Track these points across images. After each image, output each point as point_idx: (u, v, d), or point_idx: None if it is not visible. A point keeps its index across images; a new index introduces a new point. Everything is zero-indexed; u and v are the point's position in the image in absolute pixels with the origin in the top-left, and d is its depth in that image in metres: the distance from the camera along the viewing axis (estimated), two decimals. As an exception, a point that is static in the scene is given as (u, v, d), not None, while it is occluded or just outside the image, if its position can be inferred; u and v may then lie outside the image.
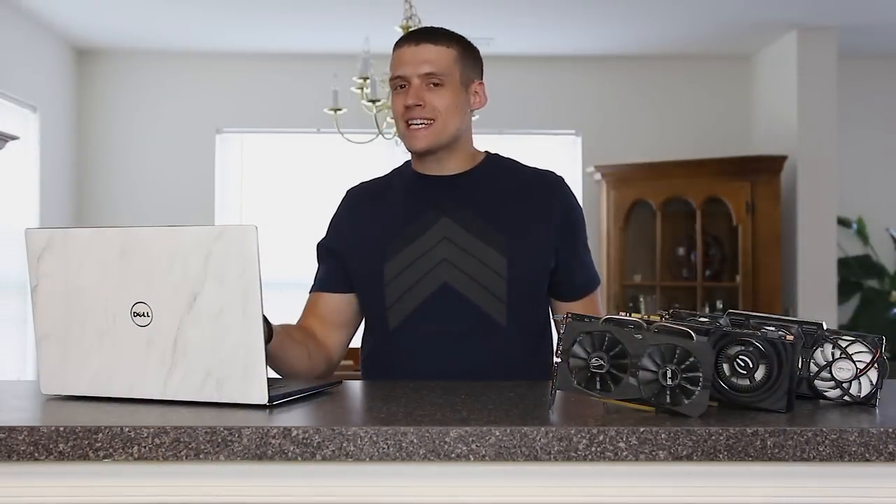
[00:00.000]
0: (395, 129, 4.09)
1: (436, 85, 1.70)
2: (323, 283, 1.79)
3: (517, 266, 1.68)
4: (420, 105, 1.68)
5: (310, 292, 1.82)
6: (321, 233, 1.85)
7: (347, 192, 1.87)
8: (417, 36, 1.74)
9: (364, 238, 1.75)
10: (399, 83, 1.72)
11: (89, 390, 1.31)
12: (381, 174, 1.88)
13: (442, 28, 1.76)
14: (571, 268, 1.76)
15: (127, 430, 1.09)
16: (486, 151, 1.83)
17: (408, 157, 1.86)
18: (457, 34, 1.77)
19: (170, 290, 1.25)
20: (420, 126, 1.69)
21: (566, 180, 1.82)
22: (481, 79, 1.80)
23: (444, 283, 1.68)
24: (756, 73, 5.77)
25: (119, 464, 1.10)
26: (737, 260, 5.23)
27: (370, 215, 1.78)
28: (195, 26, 5.24)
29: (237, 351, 1.22)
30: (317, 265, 1.83)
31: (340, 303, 1.77)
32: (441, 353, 1.67)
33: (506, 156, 1.84)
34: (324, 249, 1.81)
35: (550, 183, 1.78)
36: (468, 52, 1.76)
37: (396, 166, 1.87)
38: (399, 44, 1.75)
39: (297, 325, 1.75)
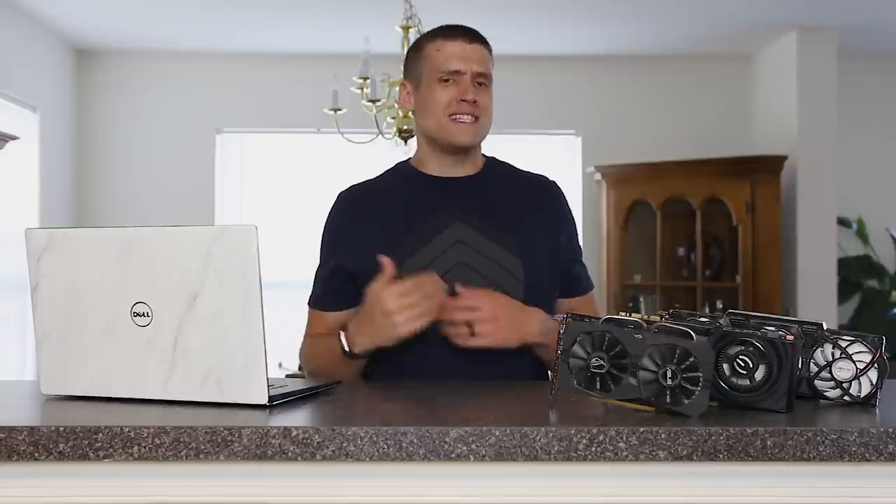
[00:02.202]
0: (394, 128, 4.10)
1: (481, 84, 1.72)
2: (332, 303, 1.76)
3: (532, 268, 1.70)
4: (476, 101, 1.70)
5: (313, 306, 1.79)
6: (321, 233, 1.82)
7: (339, 195, 1.82)
8: (469, 35, 1.74)
9: (368, 242, 1.71)
10: (448, 77, 1.71)
11: (89, 390, 1.31)
12: (372, 176, 1.86)
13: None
14: (567, 265, 1.79)
15: (127, 430, 1.09)
16: (483, 155, 1.83)
17: (405, 157, 1.86)
18: None
19: (170, 290, 1.25)
20: (470, 121, 1.70)
21: (565, 181, 1.84)
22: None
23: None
24: (756, 73, 5.77)
25: (119, 464, 1.10)
26: (737, 260, 5.23)
27: (370, 217, 1.75)
28: (195, 26, 5.24)
29: (237, 351, 1.22)
30: (317, 278, 1.79)
31: (338, 319, 1.74)
32: (458, 356, 1.64)
33: (500, 159, 1.86)
34: (327, 254, 1.78)
35: (547, 186, 1.82)
36: (493, 63, 1.79)
37: (389, 167, 1.86)
38: (445, 37, 1.74)
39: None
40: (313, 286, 1.80)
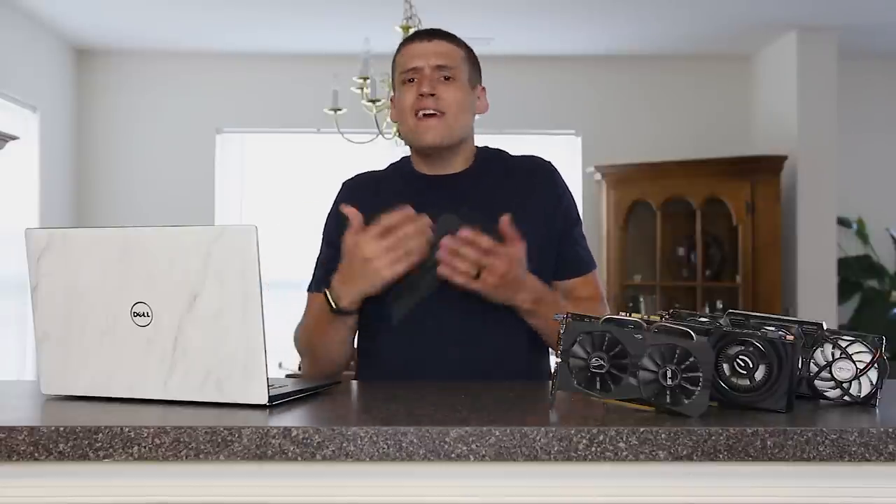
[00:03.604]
0: (395, 128, 4.10)
1: (447, 78, 1.72)
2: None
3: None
4: (433, 95, 1.70)
5: (313, 290, 1.79)
6: (321, 233, 1.84)
7: (344, 184, 1.86)
8: (429, 33, 1.77)
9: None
10: (410, 76, 1.73)
11: (89, 390, 1.31)
12: (377, 168, 1.89)
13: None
14: (564, 246, 1.77)
15: (127, 430, 1.09)
16: (476, 146, 1.84)
17: (406, 153, 1.87)
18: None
19: (170, 290, 1.25)
20: (431, 116, 1.70)
21: (569, 181, 1.85)
22: (482, 84, 1.82)
23: (446, 280, 1.68)
24: (756, 73, 5.77)
25: (119, 464, 1.10)
26: (737, 260, 5.23)
27: (369, 207, 1.74)
28: (195, 26, 5.24)
29: (237, 351, 1.22)
30: (318, 263, 1.81)
31: None
32: (446, 345, 1.67)
33: (492, 147, 1.86)
34: (328, 240, 1.79)
35: (539, 167, 1.81)
36: (472, 56, 1.80)
37: (393, 161, 1.88)
38: (408, 40, 1.78)
39: None
40: (313, 273, 1.82)
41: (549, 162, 1.83)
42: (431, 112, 1.70)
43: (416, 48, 1.74)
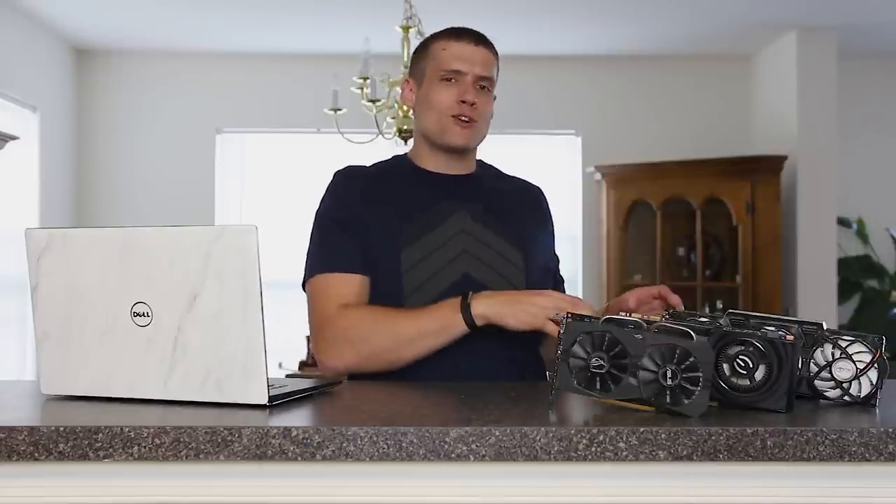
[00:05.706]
0: (394, 128, 4.10)
1: (483, 88, 1.74)
2: (354, 263, 1.67)
3: (530, 259, 1.74)
4: (474, 104, 1.72)
5: (325, 271, 1.67)
6: (320, 221, 1.73)
7: (339, 172, 1.78)
8: (476, 37, 1.76)
9: (375, 218, 1.69)
10: (450, 77, 1.73)
11: (89, 390, 1.31)
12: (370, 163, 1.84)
13: None
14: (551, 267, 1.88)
15: (127, 430, 1.09)
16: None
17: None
18: None
19: (170, 290, 1.25)
20: (467, 123, 1.72)
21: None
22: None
23: (466, 274, 1.68)
24: (756, 73, 5.77)
25: (119, 464, 1.10)
26: (737, 260, 5.23)
27: (376, 196, 1.73)
28: (195, 26, 5.24)
29: (237, 351, 1.22)
30: (321, 239, 1.71)
31: (364, 286, 1.67)
32: (460, 342, 1.64)
33: (486, 162, 1.91)
34: (334, 222, 1.70)
35: (537, 190, 1.91)
36: (498, 64, 1.81)
37: (384, 159, 1.86)
38: (452, 37, 1.75)
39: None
40: (322, 254, 1.70)
41: (540, 188, 1.93)
42: (466, 120, 1.72)
43: (463, 50, 1.73)
